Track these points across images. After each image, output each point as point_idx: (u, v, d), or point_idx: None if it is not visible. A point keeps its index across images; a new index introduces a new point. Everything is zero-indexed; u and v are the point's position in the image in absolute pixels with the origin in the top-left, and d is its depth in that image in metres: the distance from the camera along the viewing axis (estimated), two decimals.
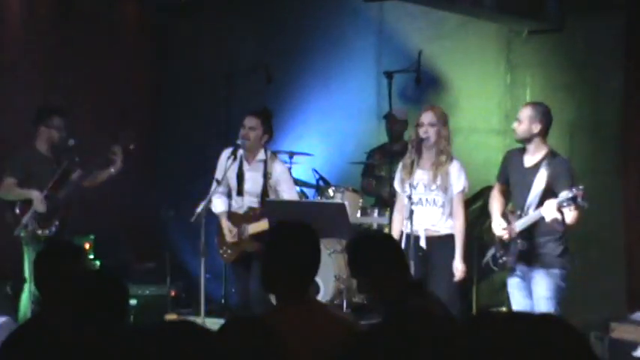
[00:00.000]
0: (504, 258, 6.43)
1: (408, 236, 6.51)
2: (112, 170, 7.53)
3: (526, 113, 6.40)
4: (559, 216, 6.08)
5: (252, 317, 2.82)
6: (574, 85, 8.71)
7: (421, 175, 6.69)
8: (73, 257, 3.98)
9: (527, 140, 6.42)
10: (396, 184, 6.91)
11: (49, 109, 7.56)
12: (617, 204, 8.22)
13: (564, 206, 6.05)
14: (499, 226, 6.44)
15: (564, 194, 6.06)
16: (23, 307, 7.24)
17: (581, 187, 6.05)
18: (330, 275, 8.03)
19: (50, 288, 3.85)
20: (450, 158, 6.71)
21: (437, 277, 6.49)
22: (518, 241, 6.33)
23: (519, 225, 6.32)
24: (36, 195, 7.29)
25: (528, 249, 6.34)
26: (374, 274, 4.14)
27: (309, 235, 3.92)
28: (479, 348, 1.55)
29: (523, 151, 6.54)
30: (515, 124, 6.45)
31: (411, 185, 6.59)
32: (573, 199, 6.01)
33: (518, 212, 6.38)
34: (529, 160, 6.46)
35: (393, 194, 7.11)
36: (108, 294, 3.59)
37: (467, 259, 6.68)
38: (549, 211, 6.07)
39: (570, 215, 6.14)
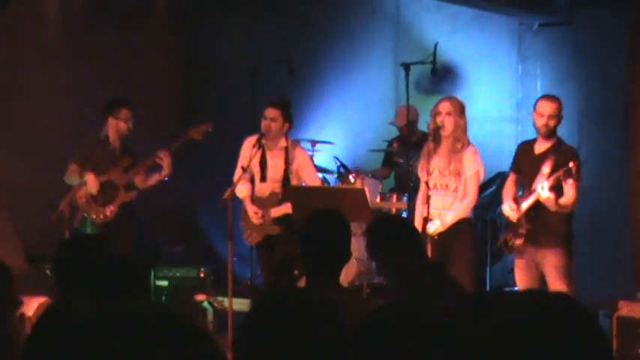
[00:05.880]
0: (514, 240, 6.57)
1: (425, 220, 6.60)
2: (160, 176, 7.54)
3: (554, 108, 6.53)
4: (552, 195, 6.25)
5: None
6: (582, 76, 8.82)
7: (438, 162, 6.79)
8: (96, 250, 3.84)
9: (552, 133, 6.56)
10: (419, 171, 7.02)
11: (118, 100, 7.43)
12: (623, 187, 8.36)
13: (561, 180, 6.21)
14: (509, 208, 6.61)
15: (560, 170, 6.22)
16: None
17: (574, 161, 6.20)
18: (351, 257, 8.17)
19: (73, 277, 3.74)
20: (466, 145, 6.80)
21: (451, 260, 6.50)
22: (523, 221, 6.49)
23: (523, 205, 6.48)
24: (90, 177, 7.29)
25: (536, 230, 6.47)
26: (392, 256, 4.25)
27: (345, 222, 4.19)
28: (488, 327, 1.55)
29: (534, 140, 6.69)
30: (548, 121, 6.50)
31: (427, 172, 6.72)
32: (568, 172, 6.17)
33: (526, 195, 6.54)
34: (539, 147, 6.61)
35: (417, 181, 7.19)
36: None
37: (480, 242, 6.79)
38: (544, 190, 6.25)
39: (568, 193, 6.31)
